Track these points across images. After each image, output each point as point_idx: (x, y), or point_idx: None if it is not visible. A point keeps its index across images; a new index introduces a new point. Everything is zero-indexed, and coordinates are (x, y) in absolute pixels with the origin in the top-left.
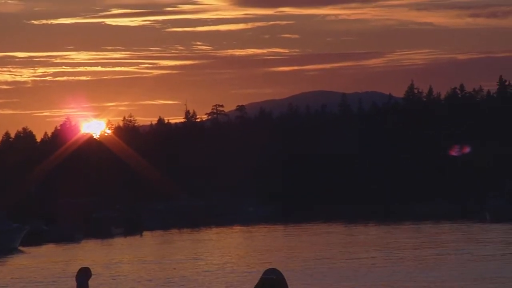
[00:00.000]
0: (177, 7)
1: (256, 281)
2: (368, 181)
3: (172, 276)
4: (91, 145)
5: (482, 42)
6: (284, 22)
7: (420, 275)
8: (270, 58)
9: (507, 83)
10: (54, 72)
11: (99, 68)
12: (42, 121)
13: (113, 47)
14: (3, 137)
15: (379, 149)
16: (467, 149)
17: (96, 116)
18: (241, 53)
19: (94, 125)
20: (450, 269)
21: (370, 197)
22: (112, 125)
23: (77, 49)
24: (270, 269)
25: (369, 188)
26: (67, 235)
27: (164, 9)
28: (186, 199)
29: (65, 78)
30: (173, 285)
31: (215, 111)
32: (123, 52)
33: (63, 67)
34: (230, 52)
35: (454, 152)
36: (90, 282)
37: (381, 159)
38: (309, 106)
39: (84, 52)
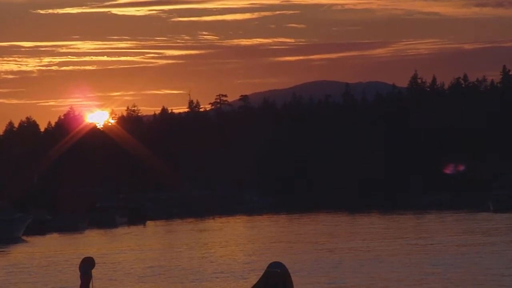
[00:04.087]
0: None
1: (261, 273)
2: (370, 172)
3: (175, 265)
4: (95, 135)
5: (489, 32)
6: (290, 12)
7: (424, 264)
8: (276, 48)
9: (511, 73)
10: (60, 62)
11: (104, 58)
12: (47, 110)
13: (119, 37)
14: (6, 126)
15: (380, 141)
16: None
17: (101, 106)
18: (247, 43)
19: (98, 115)
20: (452, 259)
21: (373, 187)
22: (116, 115)
23: (82, 38)
24: (275, 262)
25: (372, 179)
26: (70, 225)
27: None
28: (190, 189)
29: (70, 67)
30: (176, 275)
31: (218, 101)
32: (128, 42)
33: (69, 56)
34: (236, 41)
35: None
36: (94, 272)
37: (382, 150)
38: (313, 96)
39: (90, 42)
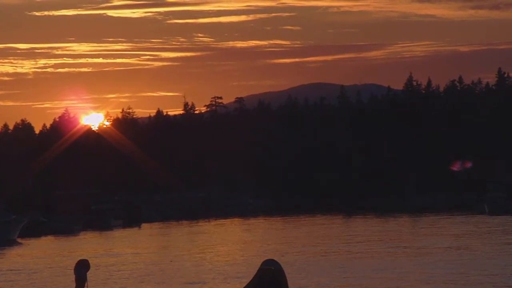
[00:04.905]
0: None
1: (255, 272)
2: (365, 174)
3: (170, 267)
4: (90, 137)
5: (484, 34)
6: (286, 14)
7: (419, 266)
8: (272, 50)
9: (506, 75)
10: (55, 64)
11: (100, 60)
12: (43, 112)
13: (114, 39)
14: (1, 128)
15: (377, 143)
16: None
17: (97, 108)
18: (243, 45)
19: (93, 117)
20: (446, 262)
21: (368, 190)
22: (111, 117)
23: (78, 40)
24: (268, 259)
25: (367, 181)
26: (65, 227)
27: (166, 0)
28: (185, 191)
29: (66, 69)
30: (171, 277)
31: (213, 103)
32: (124, 44)
33: (64, 58)
34: (231, 44)
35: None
36: (89, 274)
37: (379, 153)
38: (308, 98)
39: (86, 44)
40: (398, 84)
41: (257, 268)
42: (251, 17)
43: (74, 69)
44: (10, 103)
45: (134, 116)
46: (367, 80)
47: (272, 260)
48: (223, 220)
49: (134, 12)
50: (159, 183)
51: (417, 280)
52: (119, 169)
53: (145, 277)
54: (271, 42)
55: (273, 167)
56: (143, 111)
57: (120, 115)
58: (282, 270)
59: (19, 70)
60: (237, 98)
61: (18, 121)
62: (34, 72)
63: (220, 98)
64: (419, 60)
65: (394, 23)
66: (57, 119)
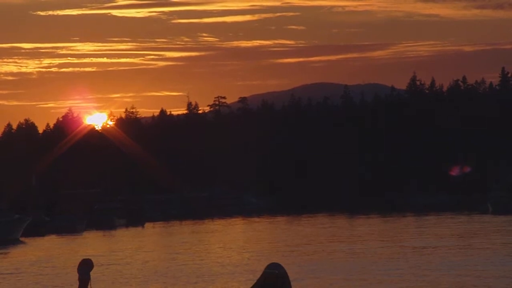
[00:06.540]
0: None
1: (259, 275)
2: (369, 173)
3: (173, 267)
4: (93, 136)
5: (488, 34)
6: (291, 14)
7: (420, 267)
8: (276, 50)
9: (509, 75)
10: (60, 63)
11: (104, 60)
12: (47, 112)
13: (119, 38)
14: (5, 128)
15: (379, 142)
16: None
17: (100, 108)
18: (247, 45)
19: (96, 117)
20: (449, 261)
21: (372, 189)
22: (114, 116)
23: (82, 40)
24: (272, 263)
25: (370, 180)
26: (69, 226)
27: (170, 0)
28: (188, 190)
29: (70, 69)
30: (175, 276)
31: (217, 102)
32: (129, 43)
33: (69, 58)
34: (236, 43)
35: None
36: (92, 274)
37: (381, 152)
38: (311, 98)
39: (90, 43)
40: (402, 84)
41: (261, 271)
42: (255, 16)
43: (78, 69)
44: (15, 103)
45: (138, 116)
46: (371, 80)
47: (276, 263)
48: (227, 220)
49: (138, 12)
50: (162, 182)
51: (420, 280)
52: (122, 168)
53: (149, 276)
54: (276, 41)
55: (277, 166)
56: (146, 111)
57: (123, 115)
58: (286, 274)
59: (23, 69)
60: (240, 98)
61: (21, 120)
62: (38, 72)
63: (224, 98)
64: (423, 59)
65: (398, 23)
66: (61, 119)
